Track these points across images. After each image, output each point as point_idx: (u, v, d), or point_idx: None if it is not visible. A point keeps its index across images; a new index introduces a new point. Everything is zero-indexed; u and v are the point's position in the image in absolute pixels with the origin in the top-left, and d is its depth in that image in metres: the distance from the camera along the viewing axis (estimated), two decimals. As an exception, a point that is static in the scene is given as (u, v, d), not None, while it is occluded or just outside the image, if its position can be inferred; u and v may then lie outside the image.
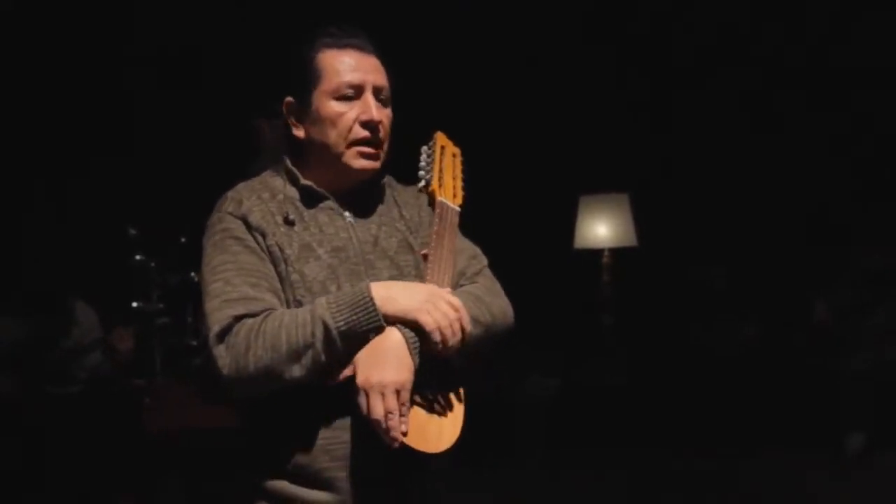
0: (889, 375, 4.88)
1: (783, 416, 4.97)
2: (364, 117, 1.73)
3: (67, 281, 4.22)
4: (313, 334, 1.59)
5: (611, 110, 5.90)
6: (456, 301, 1.65)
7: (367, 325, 1.61)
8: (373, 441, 1.62)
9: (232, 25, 5.08)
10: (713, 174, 5.92)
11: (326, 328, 1.59)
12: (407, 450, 1.61)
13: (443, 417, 1.67)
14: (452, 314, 1.63)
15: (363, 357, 1.60)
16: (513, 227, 5.05)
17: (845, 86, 5.67)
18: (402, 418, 1.58)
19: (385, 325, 1.61)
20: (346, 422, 1.64)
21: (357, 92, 1.74)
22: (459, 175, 1.90)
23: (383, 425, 1.58)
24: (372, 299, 1.61)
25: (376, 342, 1.61)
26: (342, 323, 1.59)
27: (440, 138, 1.91)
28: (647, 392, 5.29)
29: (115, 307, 4.09)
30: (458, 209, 1.83)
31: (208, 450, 3.39)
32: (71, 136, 5.01)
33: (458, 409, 1.69)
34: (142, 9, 5.09)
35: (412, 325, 1.62)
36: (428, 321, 1.61)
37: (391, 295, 1.63)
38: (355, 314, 1.60)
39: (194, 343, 3.74)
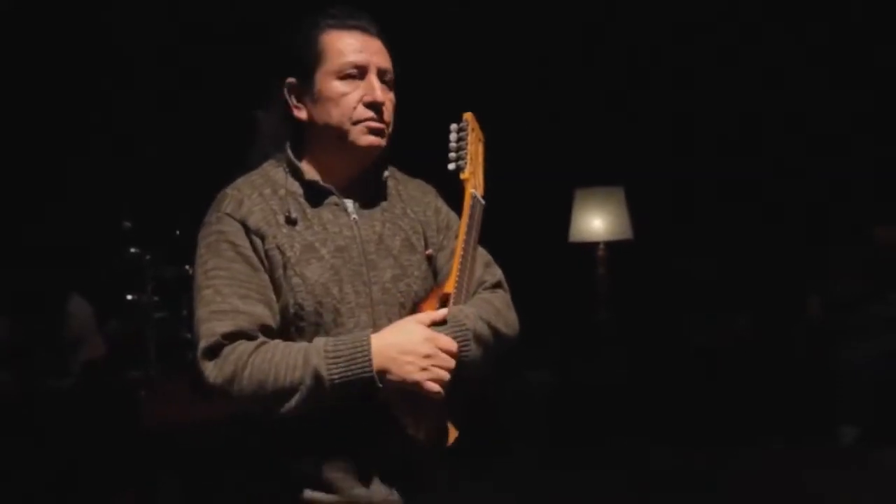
0: (885, 368, 4.89)
1: (778, 410, 4.98)
2: (368, 98, 1.70)
3: (62, 275, 4.21)
4: (302, 380, 1.57)
5: (606, 104, 5.91)
6: (453, 345, 1.64)
7: (361, 380, 1.58)
8: (372, 443, 1.65)
9: (227, 15, 5.07)
10: (708, 168, 5.93)
11: (318, 378, 1.57)
12: (418, 447, 1.64)
13: (448, 418, 1.69)
14: (450, 363, 1.62)
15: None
16: (508, 220, 5.04)
17: (836, 81, 5.69)
18: (428, 418, 1.62)
19: (379, 383, 1.59)
20: (345, 424, 1.64)
21: (361, 73, 1.70)
22: (482, 163, 1.85)
23: (410, 423, 1.61)
24: (371, 360, 1.58)
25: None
26: (336, 376, 1.58)
27: (471, 120, 1.84)
28: (642, 386, 5.29)
29: (111, 300, 4.09)
30: (484, 202, 1.81)
31: (205, 444, 3.39)
32: (65, 130, 5.01)
33: (459, 412, 1.71)
34: (136, 2, 5.08)
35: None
36: (429, 387, 1.60)
37: (386, 364, 1.59)
38: (350, 370, 1.58)
39: (190, 336, 3.73)
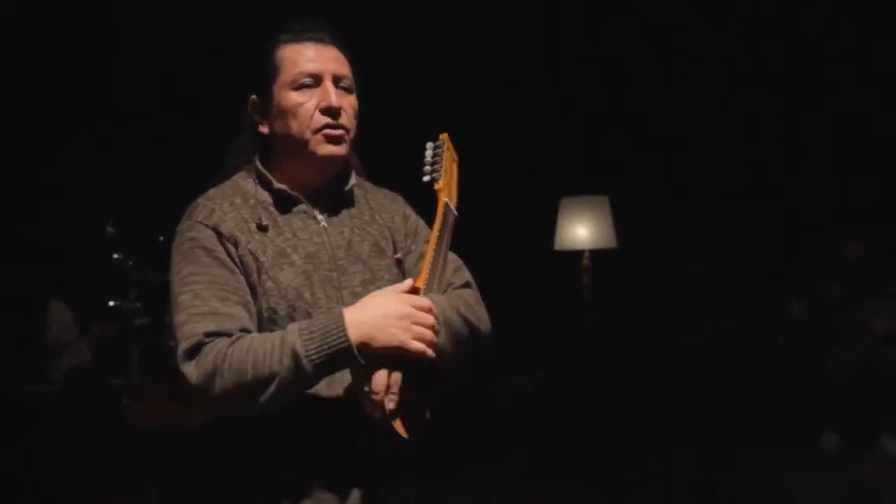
0: (868, 373, 4.90)
1: (761, 414, 5.00)
2: (323, 104, 1.71)
3: (43, 280, 4.19)
4: (280, 362, 1.56)
5: (591, 113, 5.92)
6: (427, 302, 1.64)
7: (339, 352, 1.57)
8: (335, 444, 1.65)
9: (211, 22, 5.07)
10: (692, 177, 5.95)
11: (296, 356, 1.57)
12: (384, 433, 1.63)
13: (416, 408, 1.67)
14: (430, 320, 1.63)
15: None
16: (494, 229, 5.06)
17: (822, 87, 5.73)
18: (392, 398, 1.60)
19: (359, 358, 1.58)
20: (316, 429, 1.64)
21: (316, 81, 1.72)
22: (456, 181, 1.89)
23: (375, 401, 1.58)
24: (346, 330, 1.57)
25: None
26: (313, 351, 1.56)
27: (446, 139, 1.89)
28: (626, 392, 5.31)
29: (93, 306, 4.06)
30: (456, 213, 1.82)
31: (185, 447, 3.37)
32: (49, 134, 4.99)
33: (428, 405, 1.70)
34: (124, 10, 5.07)
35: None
36: (415, 346, 1.59)
37: (366, 331, 1.58)
38: (326, 342, 1.57)
39: (172, 343, 3.71)
